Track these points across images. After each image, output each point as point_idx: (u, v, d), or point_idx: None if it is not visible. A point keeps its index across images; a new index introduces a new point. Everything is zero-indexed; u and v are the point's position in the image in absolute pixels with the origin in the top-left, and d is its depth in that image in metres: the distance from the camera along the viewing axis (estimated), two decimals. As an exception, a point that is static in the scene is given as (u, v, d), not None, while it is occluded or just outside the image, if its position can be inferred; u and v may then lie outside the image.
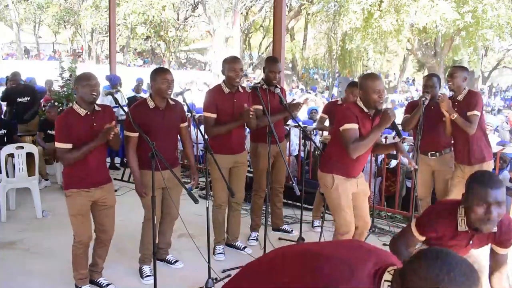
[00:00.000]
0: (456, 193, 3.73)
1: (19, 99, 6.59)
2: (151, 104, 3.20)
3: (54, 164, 5.98)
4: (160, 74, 3.17)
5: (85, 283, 3.14)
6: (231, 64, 3.51)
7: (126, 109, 3.20)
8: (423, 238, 2.11)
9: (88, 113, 2.92)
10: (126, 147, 3.22)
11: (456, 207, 2.04)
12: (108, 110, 3.10)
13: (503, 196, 1.89)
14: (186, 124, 3.47)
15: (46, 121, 5.95)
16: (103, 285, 3.22)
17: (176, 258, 3.65)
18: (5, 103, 6.79)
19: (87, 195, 2.99)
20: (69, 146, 2.86)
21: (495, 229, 2.01)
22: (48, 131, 5.84)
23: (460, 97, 3.73)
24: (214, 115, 3.54)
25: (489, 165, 3.76)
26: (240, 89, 3.61)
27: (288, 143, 5.31)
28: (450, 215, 2.04)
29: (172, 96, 3.38)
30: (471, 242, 2.09)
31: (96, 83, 2.92)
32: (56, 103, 6.34)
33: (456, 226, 2.03)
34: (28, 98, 6.57)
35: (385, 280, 1.24)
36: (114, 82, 7.36)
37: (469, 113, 3.62)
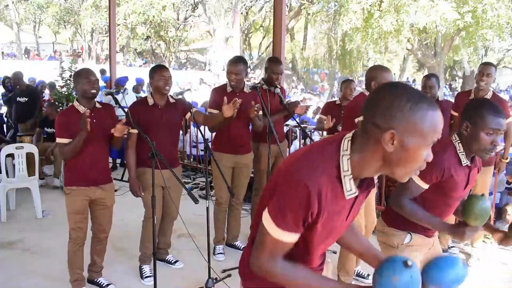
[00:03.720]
0: None
1: (18, 99, 6.62)
2: (150, 102, 3.23)
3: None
4: (157, 72, 3.20)
5: (82, 285, 3.13)
6: (228, 66, 3.58)
7: (125, 109, 3.21)
8: (427, 186, 1.96)
9: (88, 110, 2.91)
10: (126, 143, 3.23)
11: (449, 145, 1.97)
12: (109, 108, 3.12)
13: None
14: (194, 109, 3.39)
15: (46, 120, 5.95)
16: (103, 285, 3.22)
17: (176, 258, 3.65)
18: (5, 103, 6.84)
19: (86, 193, 2.99)
20: (68, 141, 2.89)
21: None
22: (46, 129, 5.85)
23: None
24: (216, 111, 3.56)
25: (492, 168, 3.77)
26: (245, 90, 3.62)
27: (289, 146, 5.29)
28: (451, 153, 1.95)
29: (172, 96, 3.40)
30: (470, 178, 2.02)
31: (96, 79, 2.96)
32: (56, 103, 6.34)
33: (459, 162, 1.95)
34: (26, 99, 6.58)
35: (345, 138, 1.17)
36: (120, 83, 7.42)
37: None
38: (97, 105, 3.02)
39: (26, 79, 12.34)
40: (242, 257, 1.45)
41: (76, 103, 2.96)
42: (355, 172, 1.15)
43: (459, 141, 1.96)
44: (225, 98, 3.25)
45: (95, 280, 3.24)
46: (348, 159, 1.14)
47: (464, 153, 1.95)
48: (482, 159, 1.98)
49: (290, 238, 1.20)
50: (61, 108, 6.14)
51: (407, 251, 2.07)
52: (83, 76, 2.92)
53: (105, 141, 3.03)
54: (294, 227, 1.17)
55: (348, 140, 1.16)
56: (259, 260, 1.25)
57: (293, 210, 1.14)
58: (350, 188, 1.15)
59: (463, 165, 1.95)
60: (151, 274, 3.28)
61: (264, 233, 1.21)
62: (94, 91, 2.92)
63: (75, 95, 3.19)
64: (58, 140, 2.93)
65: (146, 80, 9.14)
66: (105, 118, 3.02)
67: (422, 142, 1.08)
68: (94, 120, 2.92)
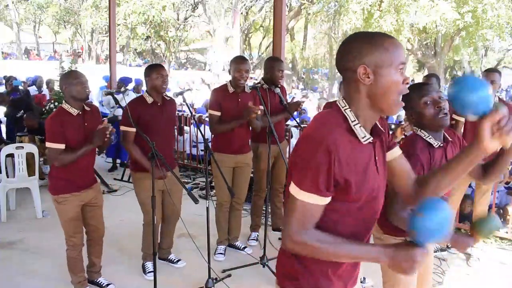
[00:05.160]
0: (458, 194, 3.74)
1: (16, 115, 6.63)
2: (149, 100, 3.20)
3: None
4: (154, 70, 3.17)
5: (85, 285, 3.14)
6: (237, 64, 3.53)
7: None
8: None
9: (80, 112, 2.87)
10: (124, 142, 3.19)
11: (415, 138, 2.01)
12: (95, 108, 3.08)
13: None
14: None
15: (32, 128, 5.91)
16: (103, 285, 3.22)
17: (178, 258, 3.65)
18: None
19: (80, 198, 2.95)
20: (62, 146, 2.79)
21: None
22: (36, 136, 5.84)
23: None
24: (218, 113, 3.56)
25: None
26: (246, 90, 3.62)
27: (288, 146, 5.28)
28: (421, 145, 1.98)
29: (172, 96, 3.40)
30: (447, 156, 2.03)
31: (86, 80, 2.88)
32: (56, 103, 6.34)
33: (431, 147, 1.99)
34: (22, 112, 6.58)
35: (339, 99, 1.30)
36: (123, 82, 7.48)
37: None
38: (86, 107, 2.95)
39: (24, 79, 12.43)
40: (279, 256, 1.44)
41: (66, 105, 2.85)
42: (360, 120, 1.25)
43: (420, 130, 2.02)
44: (250, 102, 3.40)
45: (95, 280, 3.24)
46: (350, 111, 1.25)
47: (431, 136, 2.00)
48: (445, 125, 2.00)
49: (316, 200, 1.20)
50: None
51: None
52: (73, 77, 2.83)
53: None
54: (317, 187, 1.19)
55: (342, 99, 1.28)
56: (290, 231, 1.23)
57: (312, 168, 1.18)
58: (363, 134, 1.23)
59: (436, 147, 1.99)
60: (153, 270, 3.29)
61: (291, 200, 1.23)
62: (88, 91, 2.87)
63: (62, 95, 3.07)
64: (52, 145, 2.77)
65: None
66: (94, 118, 2.98)
67: (392, 65, 1.20)
68: (86, 123, 2.88)
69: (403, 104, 1.26)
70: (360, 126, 1.24)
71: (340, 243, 1.23)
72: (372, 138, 1.25)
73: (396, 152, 1.44)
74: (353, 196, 1.24)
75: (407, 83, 1.24)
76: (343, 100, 1.27)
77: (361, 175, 1.24)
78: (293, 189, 1.23)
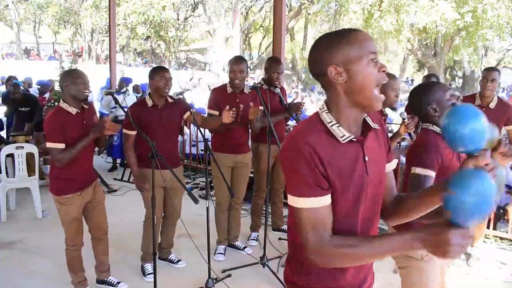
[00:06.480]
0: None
1: (20, 109, 6.61)
2: (149, 103, 3.22)
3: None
4: (158, 73, 3.19)
5: (85, 285, 3.14)
6: (231, 65, 3.55)
7: (125, 109, 3.21)
8: (434, 172, 1.88)
9: (79, 111, 2.87)
10: (125, 144, 3.23)
11: (428, 132, 1.96)
12: (91, 106, 3.08)
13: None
14: (193, 110, 3.43)
15: (42, 122, 5.91)
16: (114, 283, 3.22)
17: (179, 258, 3.65)
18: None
19: (82, 198, 2.95)
20: (62, 146, 2.78)
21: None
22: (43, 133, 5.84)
23: (492, 105, 3.64)
24: (216, 112, 3.56)
25: None
26: (246, 90, 3.62)
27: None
28: (437, 137, 1.93)
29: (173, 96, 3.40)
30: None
31: (88, 81, 2.88)
32: (56, 103, 6.34)
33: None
34: (28, 108, 6.57)
35: (321, 110, 1.27)
36: (126, 82, 7.51)
37: (509, 128, 3.65)
38: (84, 105, 2.94)
39: (22, 79, 12.40)
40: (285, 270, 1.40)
41: (64, 104, 2.84)
42: (340, 121, 1.22)
43: (432, 124, 1.97)
44: (227, 106, 3.26)
45: (106, 279, 3.23)
46: (327, 113, 1.23)
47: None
48: None
49: (317, 202, 1.16)
50: None
51: (431, 263, 1.95)
52: (75, 76, 2.82)
53: (93, 143, 2.98)
54: (311, 188, 1.16)
55: (323, 103, 1.27)
56: (310, 246, 1.17)
57: (300, 173, 1.16)
58: (342, 134, 1.20)
59: None
60: (153, 272, 3.28)
61: (295, 214, 1.19)
62: (88, 93, 2.87)
63: (61, 93, 3.06)
64: (52, 145, 2.75)
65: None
66: (92, 118, 2.98)
67: (362, 58, 1.17)
68: (84, 121, 2.88)
69: (384, 97, 1.22)
70: (338, 126, 1.21)
71: (367, 242, 1.16)
72: (354, 137, 1.21)
73: (390, 167, 1.40)
74: (340, 197, 1.20)
75: (384, 71, 1.21)
76: (324, 104, 1.26)
77: (345, 177, 1.20)
78: (292, 200, 1.20)
